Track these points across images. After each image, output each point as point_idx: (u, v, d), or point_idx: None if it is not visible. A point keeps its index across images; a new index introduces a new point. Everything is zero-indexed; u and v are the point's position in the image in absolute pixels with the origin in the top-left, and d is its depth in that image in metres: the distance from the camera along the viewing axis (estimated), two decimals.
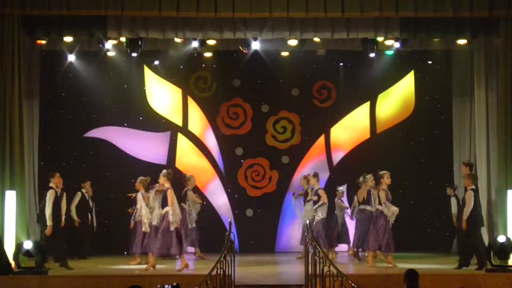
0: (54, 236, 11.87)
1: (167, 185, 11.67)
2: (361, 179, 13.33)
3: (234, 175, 15.35)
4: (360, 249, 13.42)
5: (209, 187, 15.37)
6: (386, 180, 12.33)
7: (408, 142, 15.45)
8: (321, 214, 13.08)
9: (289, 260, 13.59)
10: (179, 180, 15.28)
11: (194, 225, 13.40)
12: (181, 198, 13.11)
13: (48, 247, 11.78)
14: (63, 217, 12.24)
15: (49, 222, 11.79)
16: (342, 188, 14.30)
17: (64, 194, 12.40)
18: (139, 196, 12.54)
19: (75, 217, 13.61)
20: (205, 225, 14.33)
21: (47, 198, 11.90)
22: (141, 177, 12.68)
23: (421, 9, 12.11)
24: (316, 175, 13.55)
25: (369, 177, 13.06)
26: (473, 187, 11.82)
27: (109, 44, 13.47)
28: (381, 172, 12.46)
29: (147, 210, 12.19)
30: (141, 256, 12.63)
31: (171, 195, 11.54)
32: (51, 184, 12.04)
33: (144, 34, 12.64)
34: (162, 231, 11.53)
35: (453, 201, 13.04)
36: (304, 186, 13.97)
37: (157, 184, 11.91)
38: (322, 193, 13.17)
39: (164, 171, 11.85)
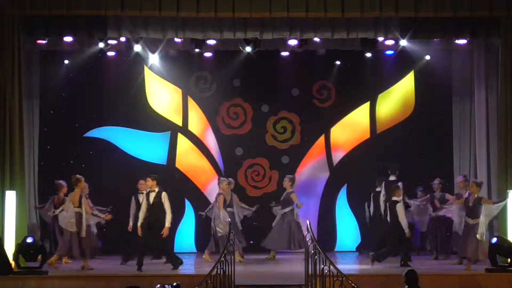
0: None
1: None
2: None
3: (234, 175, 15.32)
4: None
5: (209, 187, 15.34)
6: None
7: (408, 142, 15.43)
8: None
9: (289, 260, 13.58)
10: (177, 181, 15.30)
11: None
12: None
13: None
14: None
15: (131, 222, 12.32)
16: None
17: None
18: None
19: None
20: (205, 225, 14.28)
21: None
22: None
23: (421, 9, 12.13)
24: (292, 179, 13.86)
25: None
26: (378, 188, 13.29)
27: (109, 44, 13.46)
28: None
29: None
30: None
31: None
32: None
33: (144, 34, 12.66)
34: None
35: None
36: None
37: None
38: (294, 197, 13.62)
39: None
